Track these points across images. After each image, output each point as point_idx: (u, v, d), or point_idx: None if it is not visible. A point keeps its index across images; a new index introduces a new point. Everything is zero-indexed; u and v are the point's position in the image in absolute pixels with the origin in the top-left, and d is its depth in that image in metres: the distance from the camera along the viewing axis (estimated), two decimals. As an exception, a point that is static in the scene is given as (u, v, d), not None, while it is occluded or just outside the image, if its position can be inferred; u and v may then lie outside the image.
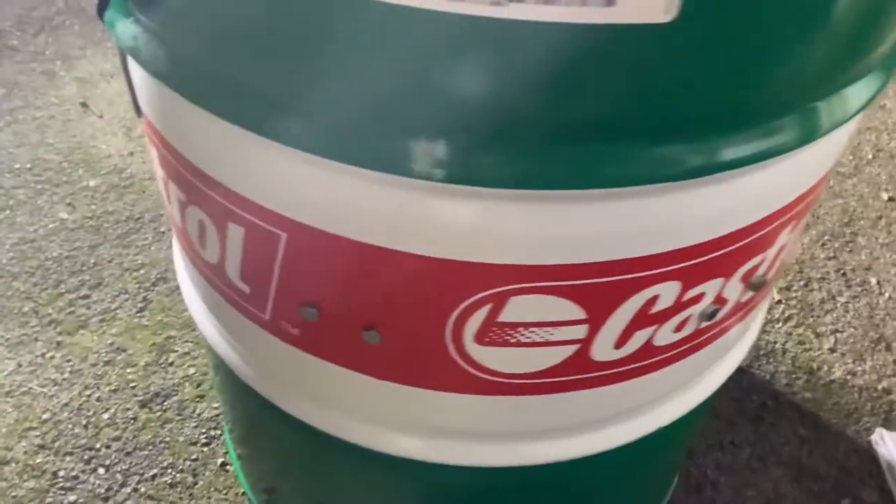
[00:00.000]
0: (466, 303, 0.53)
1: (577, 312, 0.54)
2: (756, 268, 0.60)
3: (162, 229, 1.36)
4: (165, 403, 1.10)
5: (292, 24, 0.43)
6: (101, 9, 0.55)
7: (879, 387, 1.20)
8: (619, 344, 0.58)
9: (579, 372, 0.59)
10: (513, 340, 0.56)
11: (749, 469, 1.08)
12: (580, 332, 0.55)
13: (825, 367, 1.22)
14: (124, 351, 1.16)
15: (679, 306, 0.57)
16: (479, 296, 0.52)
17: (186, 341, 1.18)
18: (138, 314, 1.22)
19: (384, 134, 0.45)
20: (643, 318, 0.56)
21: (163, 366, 1.15)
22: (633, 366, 0.61)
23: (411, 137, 0.45)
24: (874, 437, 1.14)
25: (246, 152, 0.50)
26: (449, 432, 0.66)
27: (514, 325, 0.54)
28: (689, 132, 0.46)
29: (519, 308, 0.53)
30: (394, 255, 0.51)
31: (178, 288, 1.21)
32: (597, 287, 0.52)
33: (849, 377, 1.21)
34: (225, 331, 0.72)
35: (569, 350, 0.57)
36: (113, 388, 1.12)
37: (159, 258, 1.31)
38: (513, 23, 0.38)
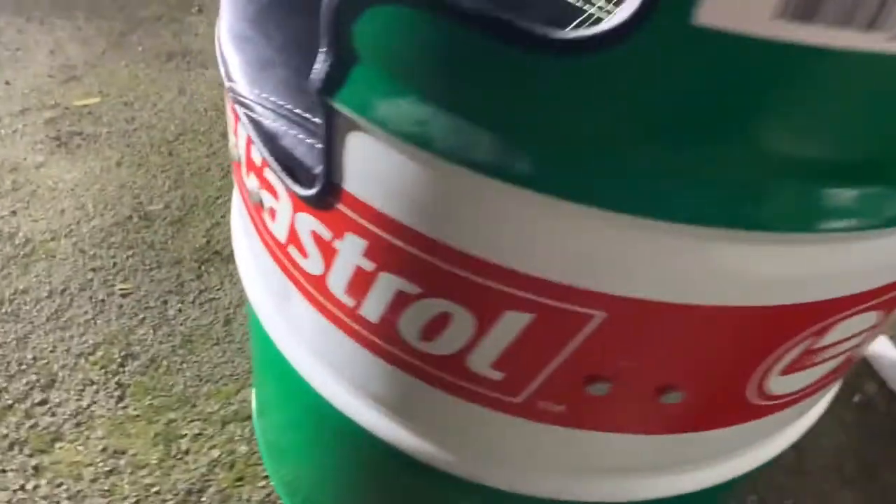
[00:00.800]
0: (793, 340, 0.50)
1: (875, 319, 0.53)
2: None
3: (100, 296, 1.14)
4: (203, 498, 0.95)
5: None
6: (331, 86, 0.43)
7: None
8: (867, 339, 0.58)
9: (839, 374, 0.59)
10: (810, 363, 0.54)
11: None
12: (865, 336, 0.55)
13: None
14: (124, 453, 0.97)
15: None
16: (808, 331, 0.50)
17: (192, 420, 1.02)
18: (119, 405, 1.02)
19: (748, 188, 0.41)
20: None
21: (178, 457, 0.98)
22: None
23: (788, 188, 0.41)
24: (852, 336, 1.28)
25: (582, 236, 0.43)
26: (697, 463, 0.63)
27: (822, 349, 0.53)
28: None
29: (835, 333, 0.51)
30: (724, 311, 0.47)
31: (153, 362, 1.03)
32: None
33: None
34: (411, 419, 0.63)
35: (846, 356, 0.56)
36: (132, 500, 0.93)
37: (112, 332, 1.10)
38: None
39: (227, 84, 0.58)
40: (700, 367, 0.52)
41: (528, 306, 0.48)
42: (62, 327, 1.09)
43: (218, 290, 1.17)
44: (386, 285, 0.52)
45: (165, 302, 1.15)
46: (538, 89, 0.37)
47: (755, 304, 0.46)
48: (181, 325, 1.12)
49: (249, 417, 1.03)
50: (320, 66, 0.43)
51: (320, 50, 0.42)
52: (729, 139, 0.37)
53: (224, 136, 1.42)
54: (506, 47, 0.36)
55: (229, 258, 1.22)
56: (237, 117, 0.60)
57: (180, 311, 1.14)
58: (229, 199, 1.31)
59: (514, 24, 0.35)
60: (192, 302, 1.15)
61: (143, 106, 1.46)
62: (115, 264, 1.18)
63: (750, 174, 0.39)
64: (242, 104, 0.56)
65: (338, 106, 0.44)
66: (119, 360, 1.06)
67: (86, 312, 1.11)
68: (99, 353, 1.07)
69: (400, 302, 0.52)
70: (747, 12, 0.32)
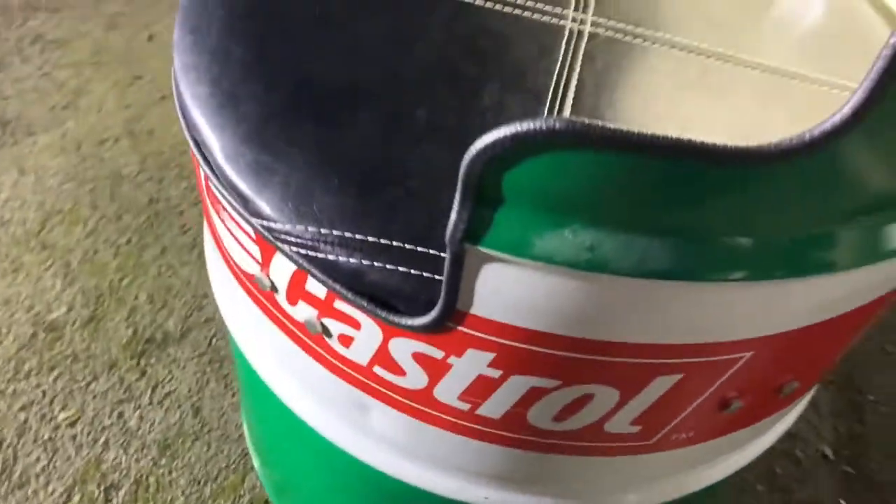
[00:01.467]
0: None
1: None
2: None
3: (46, 435, 1.00)
4: None
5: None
6: (473, 236, 0.39)
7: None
8: None
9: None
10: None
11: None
12: None
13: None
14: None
15: None
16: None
17: (211, 530, 0.94)
18: (125, 544, 0.92)
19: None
20: None
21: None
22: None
23: None
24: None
25: (743, 301, 0.43)
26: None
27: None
28: None
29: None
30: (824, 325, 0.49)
31: (139, 483, 0.95)
32: None
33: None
34: (533, 484, 0.62)
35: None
36: None
37: (79, 469, 0.98)
38: None
39: (256, 223, 0.51)
40: (813, 362, 0.55)
41: (677, 369, 0.48)
42: (20, 485, 0.96)
43: (170, 380, 1.07)
44: (516, 386, 0.50)
45: (121, 414, 1.03)
46: (722, 198, 0.36)
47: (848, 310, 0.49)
48: (150, 432, 1.02)
49: (268, 502, 0.97)
50: (455, 221, 0.39)
51: (455, 204, 0.38)
52: None
53: (95, 206, 1.27)
54: (695, 165, 0.35)
55: (165, 341, 1.11)
56: (270, 250, 0.54)
57: (142, 418, 1.03)
58: (135, 278, 1.18)
59: (714, 147, 0.33)
60: (150, 403, 1.05)
61: (-15, 201, 1.26)
62: (44, 393, 1.04)
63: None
64: (289, 243, 0.50)
65: (483, 249, 0.40)
66: (102, 496, 0.96)
67: (38, 459, 0.98)
68: (76, 499, 0.95)
69: (532, 396, 0.51)
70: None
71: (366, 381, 0.57)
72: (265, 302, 0.60)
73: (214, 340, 1.12)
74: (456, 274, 0.43)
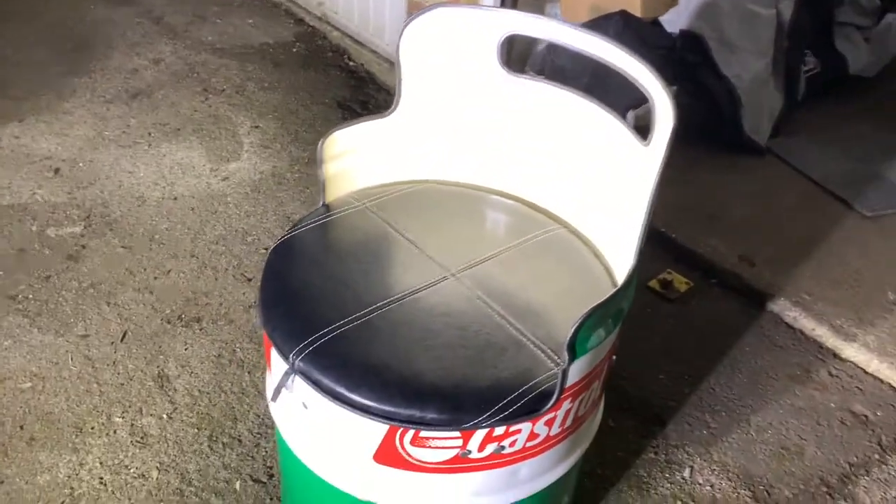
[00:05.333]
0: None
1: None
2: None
3: None
4: None
5: None
6: (570, 359, 1.16)
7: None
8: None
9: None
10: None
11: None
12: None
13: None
14: None
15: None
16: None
17: None
18: None
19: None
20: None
21: None
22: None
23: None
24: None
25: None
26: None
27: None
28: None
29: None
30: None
31: None
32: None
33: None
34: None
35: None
36: None
37: None
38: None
39: (467, 425, 1.17)
40: (608, 368, 1.43)
41: (595, 377, 1.31)
42: None
43: None
44: (578, 402, 1.26)
45: None
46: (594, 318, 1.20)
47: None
48: None
49: None
50: (568, 355, 1.15)
51: (566, 350, 1.15)
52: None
53: None
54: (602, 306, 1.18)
55: None
56: (468, 434, 1.19)
57: None
58: None
59: (596, 305, 1.17)
60: None
61: None
62: None
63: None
64: (482, 422, 1.17)
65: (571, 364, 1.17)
66: None
67: None
68: None
69: (581, 402, 1.27)
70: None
71: (521, 455, 1.26)
72: (479, 464, 1.23)
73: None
74: (565, 374, 1.18)
